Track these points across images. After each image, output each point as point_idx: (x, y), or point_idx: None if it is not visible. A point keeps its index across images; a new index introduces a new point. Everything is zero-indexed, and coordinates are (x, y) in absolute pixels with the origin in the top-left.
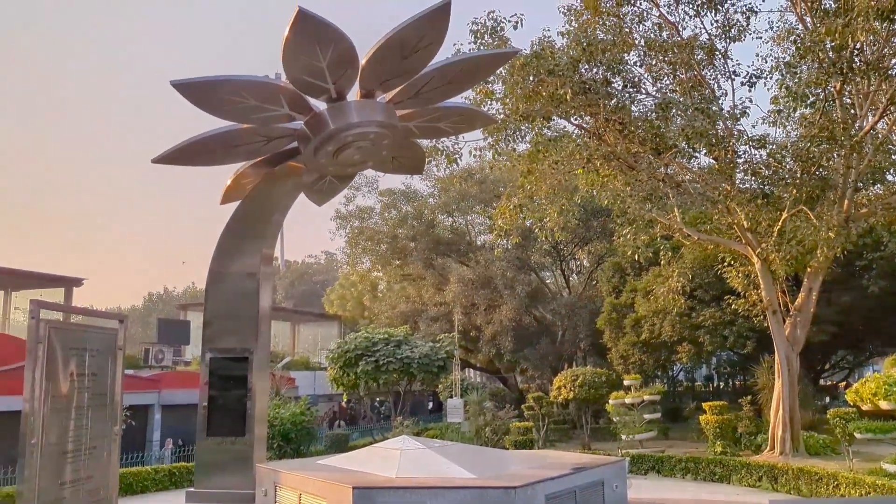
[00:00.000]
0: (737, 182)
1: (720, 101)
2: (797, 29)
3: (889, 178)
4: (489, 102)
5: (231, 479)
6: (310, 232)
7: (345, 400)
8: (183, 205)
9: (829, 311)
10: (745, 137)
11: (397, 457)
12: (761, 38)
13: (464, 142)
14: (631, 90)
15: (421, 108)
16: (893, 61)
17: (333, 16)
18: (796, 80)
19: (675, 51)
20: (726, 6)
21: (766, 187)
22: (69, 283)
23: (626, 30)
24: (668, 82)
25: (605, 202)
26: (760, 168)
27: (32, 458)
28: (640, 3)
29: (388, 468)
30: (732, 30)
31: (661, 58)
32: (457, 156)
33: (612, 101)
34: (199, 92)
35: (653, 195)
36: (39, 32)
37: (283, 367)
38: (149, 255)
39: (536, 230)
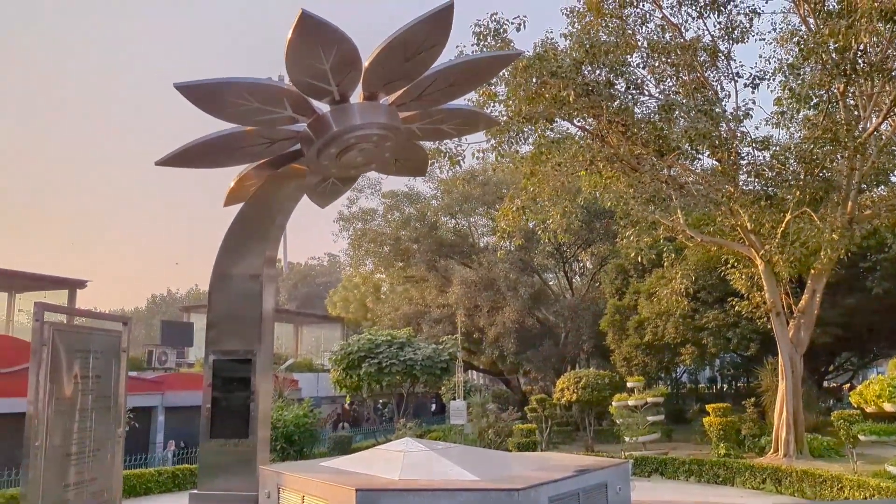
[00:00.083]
0: (740, 184)
1: (723, 103)
2: (800, 30)
3: (893, 179)
4: (492, 104)
5: (234, 481)
6: (313, 234)
7: (348, 402)
8: (185, 206)
9: (833, 312)
10: (749, 139)
11: (400, 459)
12: (764, 39)
13: (467, 144)
14: (634, 92)
15: (424, 110)
16: None
17: (335, 17)
18: (799, 82)
19: (678, 52)
20: (729, 8)
21: (770, 189)
22: (73, 285)
23: (629, 31)
24: (671, 84)
25: (609, 204)
26: (764, 170)
27: (36, 461)
28: (643, 5)
29: (391, 470)
30: (735, 31)
31: (664, 59)
32: (460, 158)
33: (615, 103)
34: (201, 94)
35: (656, 197)
36: (39, 32)
37: (287, 369)
38: (152, 257)
39: (539, 232)
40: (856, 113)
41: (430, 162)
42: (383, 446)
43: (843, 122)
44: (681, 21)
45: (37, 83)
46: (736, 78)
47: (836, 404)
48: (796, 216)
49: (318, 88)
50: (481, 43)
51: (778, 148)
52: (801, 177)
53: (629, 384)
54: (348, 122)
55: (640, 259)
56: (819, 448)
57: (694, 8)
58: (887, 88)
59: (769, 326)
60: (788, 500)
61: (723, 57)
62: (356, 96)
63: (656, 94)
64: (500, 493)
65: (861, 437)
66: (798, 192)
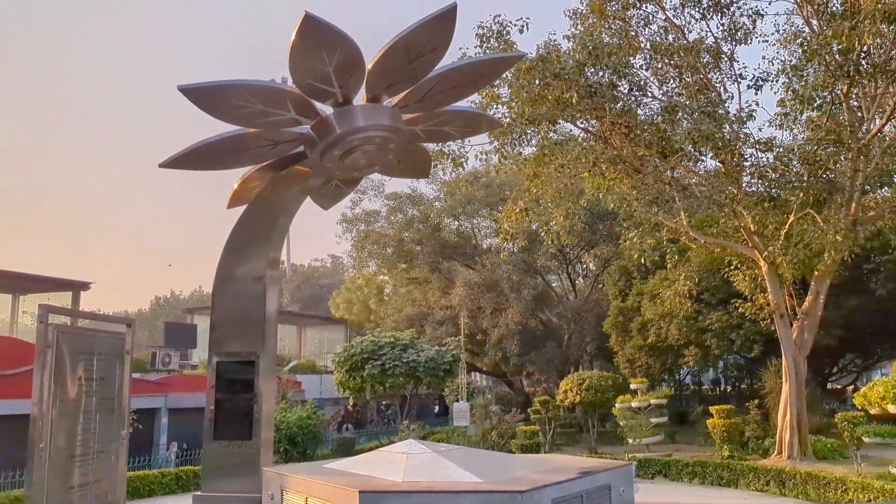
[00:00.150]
0: (743, 185)
1: (726, 105)
2: (803, 32)
3: None
4: (495, 106)
5: (238, 482)
6: (316, 236)
7: (351, 403)
8: (189, 207)
9: (837, 314)
10: (752, 140)
11: (403, 461)
12: (767, 41)
13: (470, 145)
14: (637, 94)
15: (427, 112)
16: None
17: (337, 19)
18: (803, 84)
19: (681, 54)
20: (732, 9)
21: (773, 190)
22: (77, 287)
23: (632, 33)
24: (674, 85)
25: (612, 205)
26: (767, 171)
27: (41, 462)
28: (646, 7)
29: (395, 472)
30: (738, 33)
31: (666, 61)
32: (463, 159)
33: (618, 105)
34: (205, 96)
35: (659, 198)
36: (39, 32)
37: (290, 371)
38: (155, 259)
39: (542, 234)
40: (859, 114)
41: (433, 164)
42: (386, 448)
43: (846, 123)
44: (684, 23)
45: (37, 83)
46: (739, 79)
47: (840, 406)
48: (800, 218)
49: (322, 91)
50: (484, 45)
51: (781, 149)
52: (805, 178)
53: (632, 386)
54: (351, 124)
55: (643, 261)
56: (823, 450)
57: (697, 10)
58: (891, 90)
59: (773, 328)
60: (792, 503)
61: (726, 58)
62: (359, 98)
63: (659, 96)
64: (504, 496)
65: (865, 439)
66: (801, 194)
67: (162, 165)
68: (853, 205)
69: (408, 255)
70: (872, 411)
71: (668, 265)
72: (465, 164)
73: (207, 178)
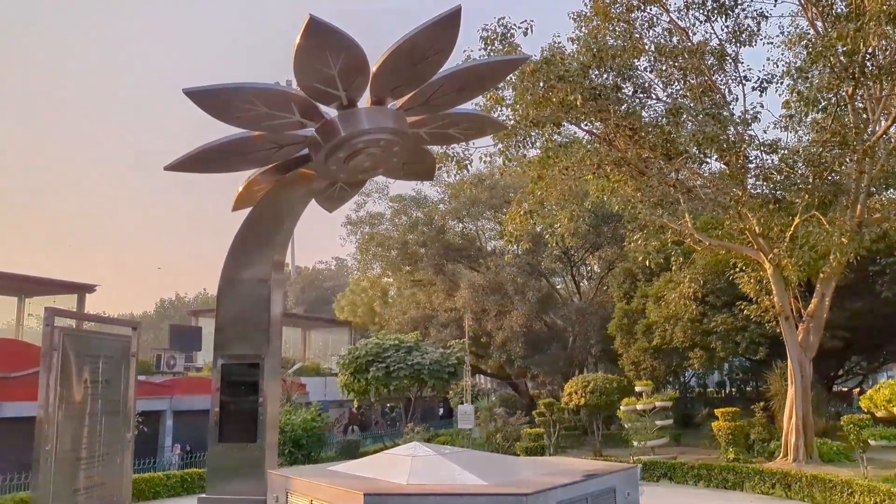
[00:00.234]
0: (748, 187)
1: (731, 107)
2: (808, 34)
3: None
4: (499, 109)
5: (243, 485)
6: (320, 238)
7: (355, 406)
8: (193, 210)
9: (842, 316)
10: (757, 142)
11: (408, 463)
12: (772, 43)
13: (474, 148)
14: (641, 96)
15: (431, 114)
16: None
17: (341, 21)
18: (808, 85)
19: (686, 56)
20: (736, 11)
21: (778, 192)
22: (82, 290)
23: (636, 35)
24: (678, 87)
25: (616, 208)
26: (772, 173)
27: (47, 465)
28: (650, 9)
29: (399, 475)
30: (743, 35)
31: (671, 63)
32: (467, 162)
33: (623, 107)
34: (210, 99)
35: (664, 201)
36: (38, 32)
37: (294, 373)
38: (160, 261)
39: (547, 236)
40: (864, 116)
41: (437, 166)
42: (391, 451)
43: (851, 125)
44: (688, 25)
45: (38, 84)
46: (744, 81)
47: (846, 409)
48: (805, 220)
49: (326, 93)
50: (489, 47)
51: (786, 151)
52: (810, 180)
53: (637, 388)
54: (356, 126)
55: (647, 263)
56: (829, 453)
57: (701, 11)
58: None
59: (778, 330)
60: None
61: (730, 60)
62: (364, 101)
63: (664, 98)
64: (509, 498)
65: (871, 442)
66: (807, 196)
67: (167, 168)
68: (859, 207)
69: (412, 258)
70: (878, 414)
71: (673, 267)
72: (469, 166)
73: (212, 181)
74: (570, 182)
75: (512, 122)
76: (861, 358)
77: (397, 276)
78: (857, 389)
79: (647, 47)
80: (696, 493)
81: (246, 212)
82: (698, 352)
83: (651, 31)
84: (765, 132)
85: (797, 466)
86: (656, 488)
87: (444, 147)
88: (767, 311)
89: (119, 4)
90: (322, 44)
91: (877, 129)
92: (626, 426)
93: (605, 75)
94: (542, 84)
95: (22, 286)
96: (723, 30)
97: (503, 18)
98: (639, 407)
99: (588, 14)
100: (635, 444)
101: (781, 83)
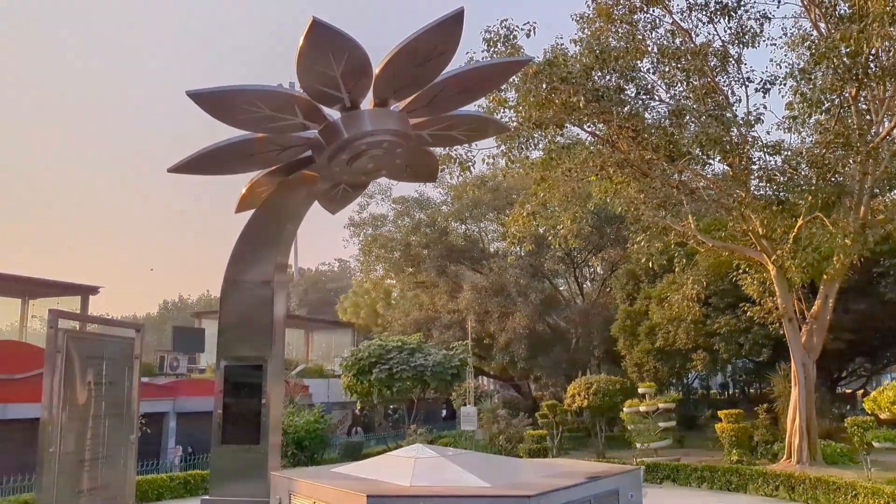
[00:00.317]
0: (751, 189)
1: (734, 108)
2: (811, 35)
3: None
4: (502, 110)
5: (246, 486)
6: (323, 240)
7: (358, 408)
8: (197, 211)
9: (846, 318)
10: (760, 144)
11: (411, 465)
12: (775, 44)
13: (477, 149)
14: (644, 97)
15: (434, 116)
16: None
17: (343, 22)
18: (811, 87)
19: (689, 57)
20: (739, 13)
21: (782, 194)
22: (85, 292)
23: (639, 37)
24: (681, 89)
25: (619, 209)
26: (775, 174)
27: (50, 467)
28: (653, 11)
29: (402, 477)
30: (746, 36)
31: (674, 65)
32: (470, 163)
33: (626, 109)
34: (213, 101)
35: (667, 202)
36: (40, 33)
37: (297, 375)
38: (163, 262)
39: (550, 237)
40: (868, 117)
41: (440, 168)
42: (394, 452)
43: (855, 126)
44: (691, 26)
45: (44, 85)
46: (747, 83)
47: (850, 410)
48: (808, 221)
49: (329, 95)
50: (491, 49)
51: (789, 153)
52: (813, 181)
53: (640, 390)
54: (359, 128)
55: (651, 264)
56: (833, 455)
57: (704, 13)
58: None
59: (781, 332)
60: None
61: (733, 62)
62: (367, 103)
63: (667, 100)
64: (511, 500)
65: (875, 444)
66: (810, 197)
67: (171, 170)
68: (862, 208)
69: (415, 259)
70: (882, 416)
71: (676, 269)
72: (472, 168)
73: (216, 183)
74: (573, 183)
75: (515, 123)
76: (865, 359)
77: (400, 278)
78: (861, 391)
79: (649, 49)
80: (699, 495)
81: (249, 214)
82: (701, 353)
83: (654, 33)
84: (768, 133)
85: (801, 468)
86: (659, 490)
87: (447, 149)
88: (771, 312)
89: (121, 5)
90: (325, 45)
91: (880, 130)
92: (629, 428)
93: (607, 77)
94: (544, 86)
95: (25, 288)
96: (726, 31)
97: (506, 20)
98: (642, 409)
99: (591, 16)
100: (638, 445)
101: (785, 84)
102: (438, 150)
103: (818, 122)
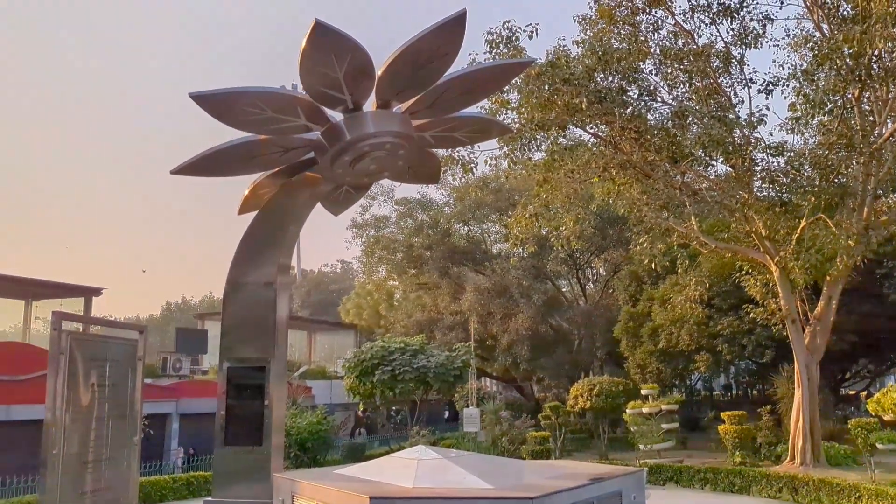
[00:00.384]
0: (754, 190)
1: (737, 109)
2: (814, 36)
3: None
4: (504, 112)
5: (249, 488)
6: (326, 241)
7: (361, 409)
8: (199, 213)
9: (849, 319)
10: (763, 145)
11: (414, 467)
12: (778, 45)
13: (479, 151)
14: (647, 98)
15: (437, 118)
16: None
17: (346, 24)
18: (814, 88)
19: (691, 59)
20: (742, 14)
21: (785, 195)
22: (88, 293)
23: (642, 38)
24: (683, 90)
25: (622, 211)
26: (778, 176)
27: (54, 468)
28: (656, 12)
29: (405, 478)
30: (748, 37)
31: (676, 66)
32: (472, 165)
33: (628, 110)
34: (216, 103)
35: (669, 203)
36: (40, 34)
37: (300, 377)
38: (166, 264)
39: (552, 239)
40: (871, 118)
41: (442, 169)
42: (397, 454)
43: (858, 127)
44: (693, 27)
45: (43, 85)
46: (749, 84)
47: (854, 412)
48: (811, 222)
49: (332, 97)
50: (494, 51)
51: (792, 154)
52: (816, 183)
53: (643, 391)
54: (362, 130)
55: (653, 266)
56: (836, 456)
57: (707, 14)
58: None
59: (784, 333)
60: None
61: (736, 63)
62: (369, 105)
63: (669, 101)
64: (514, 502)
65: (879, 446)
66: (813, 199)
67: (173, 172)
68: (865, 209)
69: (417, 261)
70: (886, 417)
71: (679, 270)
72: (474, 169)
73: (218, 184)
74: (576, 185)
75: (517, 125)
76: (868, 361)
77: (402, 279)
78: (865, 393)
79: (652, 50)
80: (702, 497)
81: (252, 215)
82: (704, 355)
83: (656, 34)
84: (771, 135)
85: (804, 470)
86: (662, 492)
87: (450, 150)
88: (774, 314)
89: (121, 5)
90: (327, 47)
91: (883, 131)
92: (632, 429)
93: (610, 78)
94: (547, 87)
95: (29, 289)
96: (728, 32)
97: (508, 22)
98: (645, 410)
99: (593, 17)
100: (641, 447)
101: (787, 86)
102: (441, 152)
103: (821, 123)
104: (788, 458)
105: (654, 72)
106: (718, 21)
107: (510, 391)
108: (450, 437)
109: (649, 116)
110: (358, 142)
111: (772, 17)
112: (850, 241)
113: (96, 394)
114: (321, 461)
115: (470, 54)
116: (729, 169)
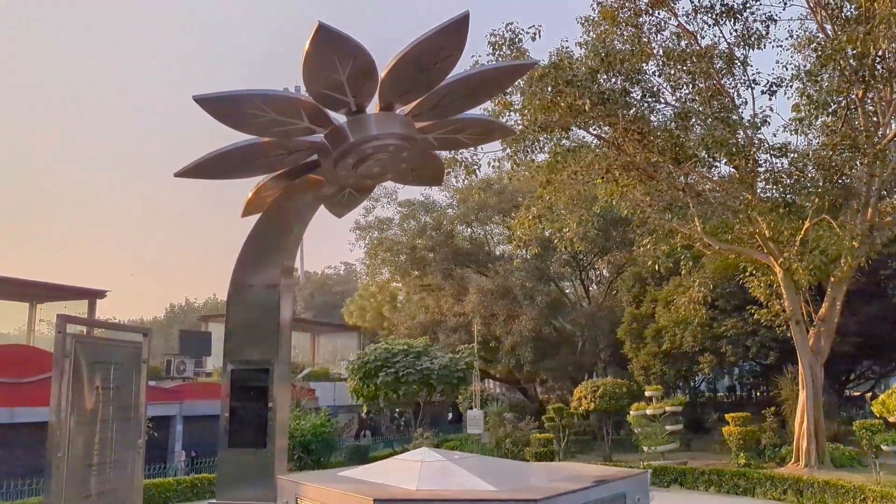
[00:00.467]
0: (758, 191)
1: (740, 110)
2: (818, 37)
3: None
4: (508, 114)
5: (252, 490)
6: (329, 243)
7: (364, 411)
8: (202, 215)
9: (854, 320)
10: (766, 146)
11: (418, 469)
12: (781, 46)
13: (483, 153)
14: (650, 100)
15: (440, 119)
16: None
17: (349, 25)
18: (818, 88)
19: (694, 60)
20: (745, 15)
21: (788, 196)
22: (92, 296)
23: (645, 40)
24: (687, 92)
25: (625, 212)
26: (782, 177)
27: (59, 470)
28: (658, 13)
29: (409, 480)
30: (752, 38)
31: (679, 67)
32: (475, 167)
33: (631, 111)
34: (220, 106)
35: (673, 205)
36: (41, 34)
37: (304, 379)
38: (169, 266)
39: (556, 240)
40: (875, 119)
41: (446, 171)
42: (400, 456)
43: (861, 128)
44: (696, 28)
45: (46, 86)
46: (753, 85)
47: (858, 413)
48: (815, 223)
49: (335, 99)
50: (497, 53)
51: (796, 155)
52: (820, 184)
53: (647, 393)
54: (365, 132)
55: (657, 267)
56: (841, 458)
57: (710, 15)
58: None
59: (789, 335)
60: None
61: (739, 64)
62: (373, 107)
63: (672, 102)
64: None
65: (884, 447)
66: (817, 200)
67: (177, 175)
68: (869, 210)
69: (421, 262)
70: (891, 419)
71: (683, 271)
72: (477, 171)
73: (222, 187)
74: (579, 186)
75: (520, 126)
76: (873, 362)
77: (406, 281)
78: (869, 394)
79: (655, 51)
80: (707, 499)
81: (255, 217)
82: (708, 356)
83: (659, 36)
84: (774, 136)
85: (809, 472)
86: (667, 494)
87: (453, 152)
88: (778, 315)
89: (121, 5)
90: (331, 50)
91: (887, 132)
92: (636, 431)
93: (613, 80)
94: (550, 89)
95: (33, 292)
96: (731, 33)
97: (511, 24)
98: (649, 412)
99: (596, 19)
100: (645, 449)
101: (791, 86)
102: (444, 154)
103: (825, 123)
104: (793, 460)
105: (657, 73)
106: (721, 22)
107: (514, 393)
108: (453, 439)
109: (652, 118)
110: (361, 144)
111: (775, 17)
112: (854, 242)
113: (100, 396)
114: (325, 463)
115: (473, 56)
116: (732, 170)
